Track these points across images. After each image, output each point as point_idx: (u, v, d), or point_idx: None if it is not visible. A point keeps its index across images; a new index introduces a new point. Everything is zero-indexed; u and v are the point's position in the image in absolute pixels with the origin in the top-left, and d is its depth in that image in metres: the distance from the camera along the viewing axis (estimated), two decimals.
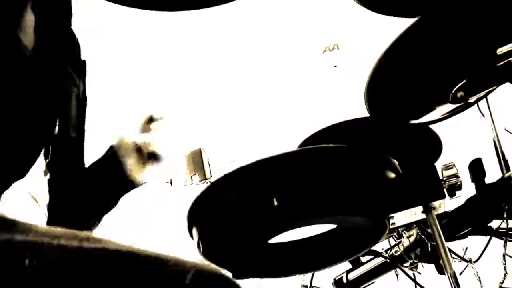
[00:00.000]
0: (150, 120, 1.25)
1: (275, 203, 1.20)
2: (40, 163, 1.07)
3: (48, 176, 1.09)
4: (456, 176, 1.30)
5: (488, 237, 1.54)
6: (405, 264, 1.64)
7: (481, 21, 1.16)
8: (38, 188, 1.05)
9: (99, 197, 1.24)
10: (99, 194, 1.24)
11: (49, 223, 1.07)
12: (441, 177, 1.30)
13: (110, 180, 1.24)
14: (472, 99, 1.37)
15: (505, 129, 1.60)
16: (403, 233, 1.64)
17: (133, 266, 0.70)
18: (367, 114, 1.41)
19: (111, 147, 1.26)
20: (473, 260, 1.57)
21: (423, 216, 1.31)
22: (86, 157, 1.27)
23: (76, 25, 1.26)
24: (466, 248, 1.59)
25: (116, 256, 0.71)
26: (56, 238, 0.73)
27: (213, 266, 0.71)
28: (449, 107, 1.37)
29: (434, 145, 1.65)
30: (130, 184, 1.25)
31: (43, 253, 0.70)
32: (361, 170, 1.27)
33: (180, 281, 0.67)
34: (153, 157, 1.23)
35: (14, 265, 0.68)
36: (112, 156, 1.24)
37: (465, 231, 1.56)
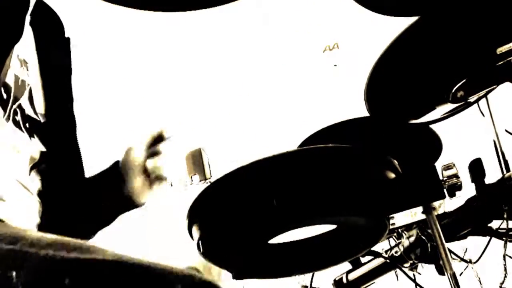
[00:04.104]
0: (160, 138, 1.23)
1: (275, 204, 1.20)
2: (30, 148, 1.07)
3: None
4: (456, 176, 1.30)
5: (488, 237, 1.54)
6: (405, 265, 1.64)
7: (481, 21, 1.16)
8: (29, 175, 1.05)
9: (97, 212, 1.24)
10: (97, 209, 1.24)
11: (44, 214, 1.07)
12: (441, 177, 1.30)
13: (111, 197, 1.23)
14: (472, 99, 1.37)
15: (506, 131, 1.60)
16: (403, 234, 1.64)
17: (121, 277, 0.70)
18: (367, 114, 1.40)
19: (117, 163, 1.25)
20: (473, 260, 1.57)
21: (423, 216, 1.31)
22: (93, 162, 1.26)
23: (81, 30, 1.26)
24: (466, 248, 1.59)
25: (104, 266, 0.71)
26: (44, 248, 0.73)
27: (203, 276, 0.71)
28: (449, 107, 1.37)
29: (434, 145, 1.65)
30: (130, 204, 1.24)
31: (30, 264, 0.70)
32: (361, 170, 1.27)
33: None
34: (159, 179, 1.23)
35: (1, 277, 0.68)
36: (117, 173, 1.23)
37: (465, 232, 1.55)
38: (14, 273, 0.68)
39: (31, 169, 1.08)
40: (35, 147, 1.10)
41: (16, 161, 1.04)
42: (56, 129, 1.15)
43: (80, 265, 0.71)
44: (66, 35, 1.27)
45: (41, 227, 1.06)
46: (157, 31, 3.39)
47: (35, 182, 1.08)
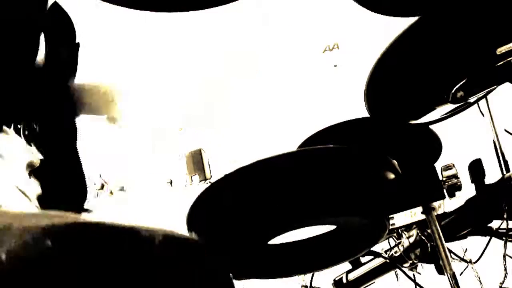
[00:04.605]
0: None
1: (275, 204, 1.20)
2: (28, 155, 1.07)
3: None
4: (455, 176, 1.30)
5: (488, 237, 1.54)
6: (405, 265, 1.64)
7: (481, 21, 1.16)
8: (28, 181, 1.05)
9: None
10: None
11: None
12: (440, 178, 1.30)
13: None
14: (472, 99, 1.37)
15: (505, 130, 1.60)
16: (403, 234, 1.64)
17: (103, 236, 0.71)
18: (367, 114, 1.40)
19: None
20: (473, 260, 1.57)
21: (423, 216, 1.31)
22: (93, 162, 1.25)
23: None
24: (466, 248, 1.59)
25: (84, 228, 0.72)
26: (26, 218, 0.74)
27: (183, 234, 0.72)
28: (449, 107, 1.37)
29: (434, 146, 1.65)
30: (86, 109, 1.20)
31: (12, 234, 0.70)
32: (360, 171, 1.26)
33: (148, 245, 0.68)
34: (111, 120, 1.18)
35: None
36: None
37: (465, 232, 1.56)
38: None
39: (30, 174, 1.08)
40: (34, 154, 1.10)
41: (16, 167, 1.05)
42: (52, 137, 1.15)
43: (61, 228, 0.72)
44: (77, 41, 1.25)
45: None
46: (157, 32, 3.39)
47: (34, 187, 1.08)
